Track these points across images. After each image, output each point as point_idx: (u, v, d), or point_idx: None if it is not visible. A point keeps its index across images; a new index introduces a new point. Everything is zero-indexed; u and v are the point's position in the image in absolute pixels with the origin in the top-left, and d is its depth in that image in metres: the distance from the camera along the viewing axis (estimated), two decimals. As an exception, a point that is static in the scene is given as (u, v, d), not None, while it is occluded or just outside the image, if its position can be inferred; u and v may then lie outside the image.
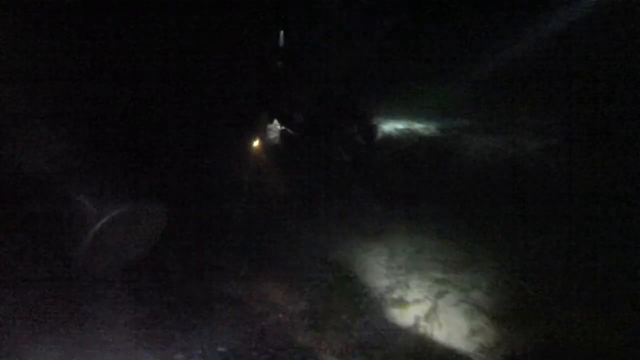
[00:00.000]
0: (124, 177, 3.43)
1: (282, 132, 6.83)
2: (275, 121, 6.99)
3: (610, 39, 7.39)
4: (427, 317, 3.13)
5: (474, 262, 3.70)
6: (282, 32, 6.73)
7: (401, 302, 3.29)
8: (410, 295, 3.36)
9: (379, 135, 7.14)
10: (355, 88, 7.21)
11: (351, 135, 6.72)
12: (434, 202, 4.79)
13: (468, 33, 8.58)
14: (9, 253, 3.08)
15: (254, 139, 6.32)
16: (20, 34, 3.34)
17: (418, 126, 7.55)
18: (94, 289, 3.34)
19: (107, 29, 4.07)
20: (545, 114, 7.16)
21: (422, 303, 3.29)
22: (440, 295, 3.34)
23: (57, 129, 3.28)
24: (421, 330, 3.01)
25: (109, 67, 4.07)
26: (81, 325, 3.01)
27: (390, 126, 7.58)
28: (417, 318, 3.13)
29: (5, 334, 2.79)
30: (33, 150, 3.11)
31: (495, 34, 8.41)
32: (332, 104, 6.62)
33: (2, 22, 3.21)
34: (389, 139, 7.18)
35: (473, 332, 2.96)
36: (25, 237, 3.15)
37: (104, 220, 2.93)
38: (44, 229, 3.15)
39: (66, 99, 3.55)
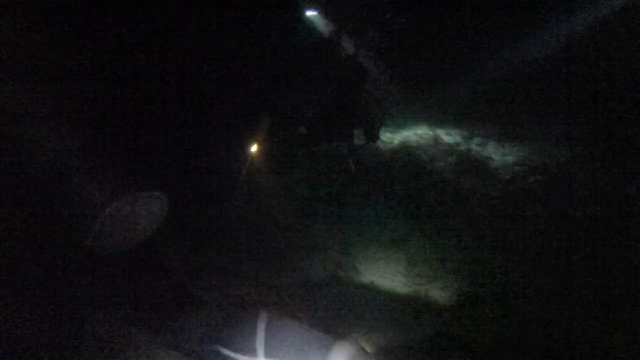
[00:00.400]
0: (131, 173, 3.65)
1: (287, 134, 6.73)
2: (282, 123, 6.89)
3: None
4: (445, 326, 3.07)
5: (495, 273, 3.60)
6: (283, 33, 6.68)
7: (418, 312, 3.23)
8: (429, 305, 3.29)
9: (399, 140, 6.83)
10: (356, 88, 7.12)
11: (357, 149, 6.53)
12: (456, 212, 4.65)
13: (491, 34, 8.15)
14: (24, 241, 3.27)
15: (262, 141, 6.24)
16: (39, 38, 3.51)
17: (439, 132, 7.29)
18: (93, 288, 3.35)
19: (111, 33, 4.13)
20: (573, 120, 6.78)
21: (441, 312, 3.21)
22: (459, 304, 3.26)
23: (74, 130, 3.56)
24: (438, 341, 2.93)
25: (119, 75, 4.25)
26: (80, 324, 3.02)
27: (410, 131, 7.33)
28: (434, 328, 3.05)
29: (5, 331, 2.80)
30: (54, 147, 3.41)
31: (518, 37, 8.05)
32: (334, 104, 6.53)
33: (18, 30, 3.36)
34: (407, 144, 6.98)
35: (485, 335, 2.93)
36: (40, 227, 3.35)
37: (112, 206, 3.22)
38: (59, 218, 3.36)
39: (84, 104, 3.81)
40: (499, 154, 6.24)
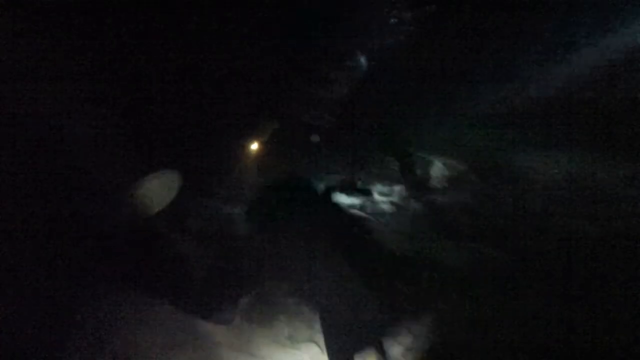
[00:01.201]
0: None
1: (298, 140, 6.57)
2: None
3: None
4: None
5: (517, 286, 3.42)
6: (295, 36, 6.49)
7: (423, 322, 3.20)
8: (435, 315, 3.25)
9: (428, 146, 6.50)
10: (367, 91, 6.83)
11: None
12: (481, 221, 4.48)
13: (524, 32, 7.62)
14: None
15: (267, 144, 6.14)
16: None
17: (473, 137, 7.02)
18: (94, 289, 3.36)
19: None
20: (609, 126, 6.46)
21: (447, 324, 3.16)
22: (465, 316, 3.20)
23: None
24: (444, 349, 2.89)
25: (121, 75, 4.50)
26: (81, 323, 3.03)
27: (438, 135, 7.07)
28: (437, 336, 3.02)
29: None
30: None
31: (547, 38, 7.64)
32: (345, 110, 6.31)
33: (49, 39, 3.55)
34: (439, 150, 6.76)
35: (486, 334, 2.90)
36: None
37: (141, 181, 4.16)
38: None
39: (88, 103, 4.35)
40: (541, 163, 5.92)
